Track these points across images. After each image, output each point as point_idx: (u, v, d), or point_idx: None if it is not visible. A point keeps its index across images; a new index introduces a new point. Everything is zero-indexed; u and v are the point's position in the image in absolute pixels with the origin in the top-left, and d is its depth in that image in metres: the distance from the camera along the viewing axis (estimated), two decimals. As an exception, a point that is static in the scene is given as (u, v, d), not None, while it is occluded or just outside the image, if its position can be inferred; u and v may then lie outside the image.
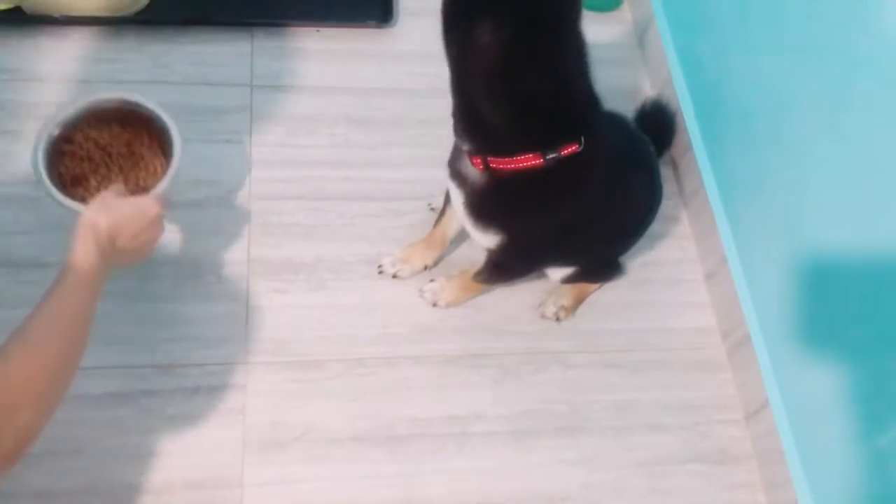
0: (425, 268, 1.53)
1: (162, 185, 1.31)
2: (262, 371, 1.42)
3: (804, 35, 1.33)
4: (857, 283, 1.26)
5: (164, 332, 1.43)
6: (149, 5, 1.75)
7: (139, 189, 1.36)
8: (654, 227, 1.67)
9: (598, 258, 1.46)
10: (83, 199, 1.28)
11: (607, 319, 1.57)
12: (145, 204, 1.22)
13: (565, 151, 1.09)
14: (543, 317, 1.53)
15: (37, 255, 1.45)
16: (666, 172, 1.73)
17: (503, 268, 1.40)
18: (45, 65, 1.66)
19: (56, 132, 1.33)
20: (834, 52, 1.27)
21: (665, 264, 1.65)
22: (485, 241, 1.27)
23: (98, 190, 1.33)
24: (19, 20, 1.68)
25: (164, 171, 1.34)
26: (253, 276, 1.50)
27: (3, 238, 1.46)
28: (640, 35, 1.92)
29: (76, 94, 1.63)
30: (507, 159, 1.10)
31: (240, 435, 1.36)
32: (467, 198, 1.22)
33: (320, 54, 1.78)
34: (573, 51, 1.05)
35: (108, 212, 1.15)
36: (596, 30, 1.86)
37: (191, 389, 1.39)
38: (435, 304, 1.51)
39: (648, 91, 1.84)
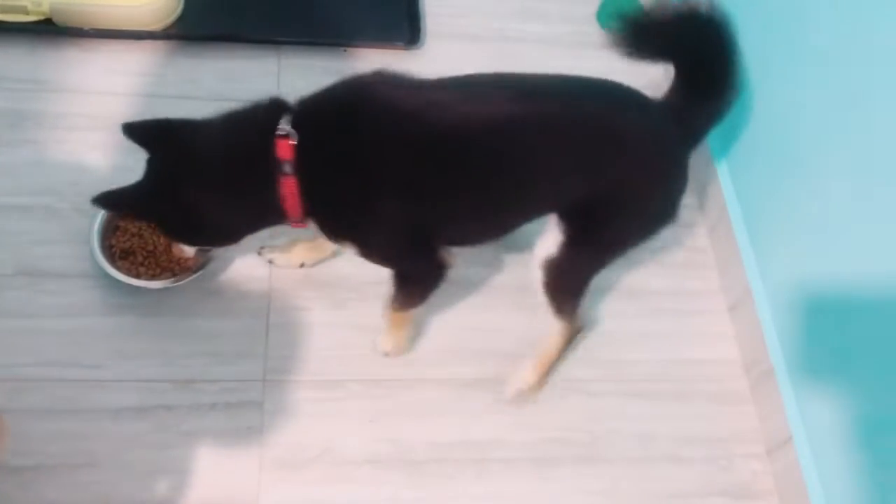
0: (301, 265, 1.51)
1: (190, 270, 1.44)
2: (280, 389, 1.41)
3: (832, 63, 1.33)
4: (884, 317, 1.24)
5: (182, 346, 1.42)
6: (177, 20, 1.76)
7: (179, 267, 1.45)
8: (676, 257, 1.67)
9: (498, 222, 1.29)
10: (128, 271, 1.42)
11: (629, 349, 1.56)
12: None
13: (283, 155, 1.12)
14: (507, 394, 1.45)
15: (60, 266, 1.45)
16: (689, 201, 1.71)
17: (399, 277, 1.33)
18: (73, 77, 1.67)
19: None
20: (863, 81, 1.26)
21: (687, 294, 1.64)
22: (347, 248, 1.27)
23: (143, 264, 1.45)
24: (49, 32, 1.70)
25: (200, 259, 1.44)
26: (274, 294, 1.49)
27: (27, 248, 1.46)
28: (666, 64, 1.91)
29: (104, 106, 1.63)
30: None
31: (256, 453, 1.35)
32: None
33: (347, 73, 1.78)
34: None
35: None
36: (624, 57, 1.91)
37: (208, 405, 1.38)
38: (387, 355, 1.46)
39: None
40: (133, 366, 1.39)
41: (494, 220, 1.27)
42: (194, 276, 1.43)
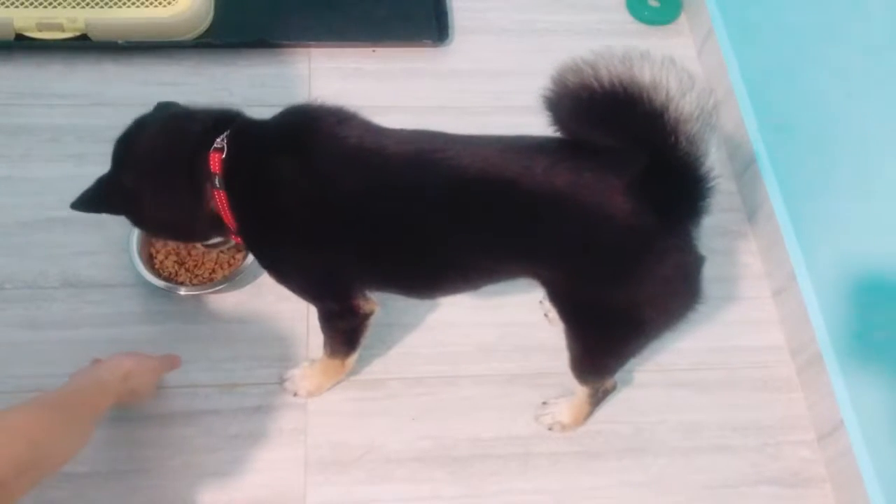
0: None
1: (229, 277, 1.46)
2: (322, 390, 1.43)
3: (871, 38, 1.30)
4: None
5: (225, 351, 1.44)
6: (208, 29, 1.79)
7: (218, 274, 1.48)
8: (717, 243, 1.64)
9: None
10: (168, 279, 1.45)
11: (671, 337, 1.52)
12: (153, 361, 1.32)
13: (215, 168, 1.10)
14: (537, 421, 1.43)
15: (102, 277, 1.48)
16: (728, 186, 1.69)
17: (319, 315, 1.29)
18: (110, 90, 1.70)
19: None
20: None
21: (730, 281, 1.61)
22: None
23: (183, 272, 1.47)
24: (85, 47, 1.73)
25: (239, 265, 1.48)
26: (313, 296, 1.50)
27: (70, 259, 1.49)
28: (700, 47, 1.89)
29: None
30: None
31: (301, 454, 1.36)
32: None
33: (377, 74, 1.79)
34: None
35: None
36: (655, 44, 1.90)
37: (252, 408, 1.39)
38: (296, 395, 1.41)
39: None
40: (178, 372, 1.40)
41: (425, 276, 1.18)
42: (233, 280, 1.45)
